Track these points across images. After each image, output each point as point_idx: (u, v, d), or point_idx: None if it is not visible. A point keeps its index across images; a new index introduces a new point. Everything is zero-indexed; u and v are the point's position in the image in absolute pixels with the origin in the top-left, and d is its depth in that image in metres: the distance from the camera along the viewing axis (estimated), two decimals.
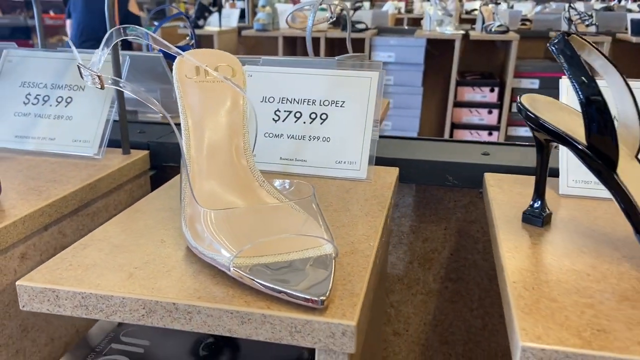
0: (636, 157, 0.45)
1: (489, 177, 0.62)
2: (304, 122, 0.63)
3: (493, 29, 2.75)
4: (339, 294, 0.37)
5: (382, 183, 0.60)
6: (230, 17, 3.33)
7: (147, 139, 0.72)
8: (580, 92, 0.41)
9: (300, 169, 0.61)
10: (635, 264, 0.42)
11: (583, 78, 0.41)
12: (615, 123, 0.44)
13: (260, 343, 0.55)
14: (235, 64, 0.50)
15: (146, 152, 0.69)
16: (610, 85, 0.46)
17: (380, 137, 0.78)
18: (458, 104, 2.91)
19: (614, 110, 0.44)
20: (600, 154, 0.42)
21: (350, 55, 0.95)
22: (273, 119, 0.64)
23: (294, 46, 3.21)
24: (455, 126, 2.93)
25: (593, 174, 0.43)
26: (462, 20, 3.54)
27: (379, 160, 0.67)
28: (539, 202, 0.49)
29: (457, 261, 0.74)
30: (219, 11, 3.20)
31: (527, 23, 3.18)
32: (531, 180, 0.61)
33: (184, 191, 0.44)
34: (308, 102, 0.63)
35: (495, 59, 3.01)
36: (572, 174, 0.57)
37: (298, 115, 0.63)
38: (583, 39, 0.44)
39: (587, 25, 2.74)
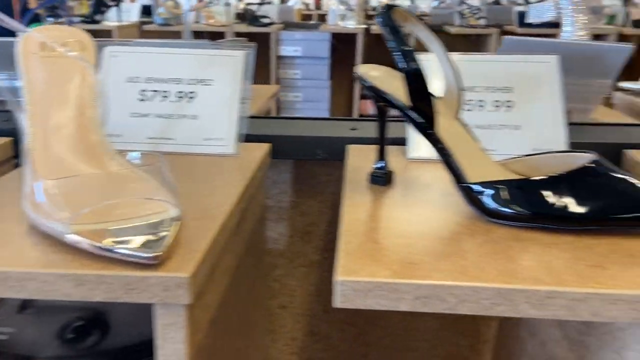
0: (456, 117, 0.50)
1: (351, 148, 0.66)
2: (172, 101, 0.64)
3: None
4: (180, 251, 0.39)
5: (251, 158, 0.62)
6: (130, 12, 3.22)
7: (13, 126, 0.70)
8: (400, 61, 0.46)
9: (168, 147, 0.62)
10: (457, 210, 0.47)
11: (403, 48, 0.46)
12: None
13: (130, 323, 0.56)
14: (85, 40, 0.50)
15: (9, 139, 0.67)
16: (436, 55, 0.51)
17: (257, 117, 0.80)
18: (364, 96, 3.02)
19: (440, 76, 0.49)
20: (422, 114, 0.47)
21: (231, 39, 0.96)
22: (139, 98, 0.64)
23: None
24: (362, 118, 3.03)
25: (417, 131, 0.48)
26: (368, 16, 3.65)
27: (253, 138, 0.69)
28: (382, 163, 0.53)
29: (333, 232, 0.78)
30: (118, 5, 3.08)
31: (424, 17, 3.34)
32: (389, 149, 0.66)
33: (26, 167, 0.44)
34: (175, 81, 0.64)
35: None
36: (417, 140, 0.62)
37: (165, 94, 0.64)
38: (406, 12, 0.49)
39: (478, 19, 2.94)
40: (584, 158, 0.45)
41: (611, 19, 2.99)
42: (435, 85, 0.52)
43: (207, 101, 0.64)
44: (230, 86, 0.64)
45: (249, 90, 0.70)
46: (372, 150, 0.65)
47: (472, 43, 2.95)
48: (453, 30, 2.91)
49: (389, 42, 0.47)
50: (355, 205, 0.48)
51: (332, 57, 3.01)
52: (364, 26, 2.90)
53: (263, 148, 0.65)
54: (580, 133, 0.71)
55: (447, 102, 0.51)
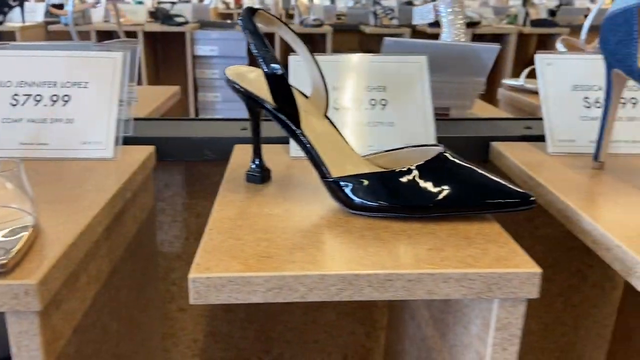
0: (325, 115, 0.53)
1: (236, 147, 0.67)
2: (45, 105, 0.62)
3: (309, 23, 2.91)
4: (32, 259, 0.38)
5: (130, 161, 0.61)
6: (35, 12, 3.05)
7: None
8: (263, 64, 0.47)
9: (42, 153, 0.61)
10: (323, 204, 0.49)
11: (264, 51, 0.48)
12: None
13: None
14: None
15: None
16: (301, 56, 0.53)
17: (141, 119, 0.79)
18: None
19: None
20: (286, 114, 0.49)
21: (120, 40, 0.94)
22: (11, 103, 0.62)
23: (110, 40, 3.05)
24: None
25: (285, 130, 0.49)
26: (289, 15, 3.67)
27: (139, 140, 0.68)
28: (257, 161, 0.55)
29: None
30: (21, 6, 2.91)
31: (342, 17, 3.41)
32: (276, 147, 0.67)
33: None
34: (49, 84, 0.62)
35: (315, 51, 3.18)
36: None
37: (38, 98, 0.62)
38: (270, 14, 0.51)
39: (391, 19, 3.04)
40: (435, 151, 0.49)
41: (513, 18, 3.19)
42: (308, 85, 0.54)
43: (82, 104, 0.62)
44: (108, 88, 0.63)
45: (134, 92, 0.70)
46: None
47: (376, 41, 3.04)
48: (368, 30, 3.00)
49: (251, 45, 0.48)
50: (226, 203, 0.49)
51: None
52: None
53: (145, 150, 0.65)
54: (454, 127, 0.76)
55: (315, 102, 0.53)
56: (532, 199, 0.45)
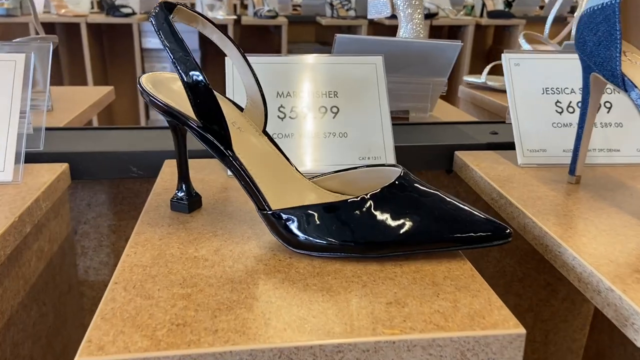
0: (264, 131, 0.44)
1: (167, 164, 0.58)
2: None
3: (263, 14, 2.79)
4: None
5: (35, 184, 0.51)
6: None
7: None
8: (182, 72, 0.38)
9: None
10: (261, 242, 0.41)
11: (183, 56, 0.39)
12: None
13: None
14: None
15: None
16: (232, 60, 0.44)
17: (55, 129, 0.69)
18: None
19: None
20: (214, 133, 0.40)
21: (37, 37, 0.83)
22: None
23: (52, 33, 2.85)
24: None
25: (212, 153, 0.41)
26: (244, 5, 3.52)
27: (50, 157, 0.58)
28: (184, 187, 0.46)
29: None
30: None
31: (298, 8, 3.31)
32: (209, 162, 0.58)
33: None
34: None
35: (271, 44, 3.07)
36: None
37: None
38: (192, 10, 0.42)
39: (348, 10, 2.95)
40: (392, 173, 0.41)
41: (470, 10, 3.16)
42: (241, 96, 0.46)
43: None
44: (5, 97, 0.53)
45: (45, 97, 0.59)
46: (194, 164, 0.57)
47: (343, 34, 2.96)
48: (324, 21, 2.90)
49: (165, 48, 0.39)
50: (142, 243, 0.40)
51: (203, 49, 2.87)
52: (234, 17, 2.79)
53: (55, 170, 0.55)
54: (414, 134, 0.69)
55: (251, 116, 0.44)
56: (507, 231, 0.38)
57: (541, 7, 3.26)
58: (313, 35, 3.14)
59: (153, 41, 2.74)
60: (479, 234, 0.37)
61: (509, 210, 0.49)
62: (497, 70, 1.13)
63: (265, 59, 0.58)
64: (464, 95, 1.10)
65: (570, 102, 0.60)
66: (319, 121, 0.57)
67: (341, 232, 0.37)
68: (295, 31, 2.93)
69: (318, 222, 0.38)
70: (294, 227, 0.38)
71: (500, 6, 3.09)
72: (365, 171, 0.43)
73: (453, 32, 3.04)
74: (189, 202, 0.46)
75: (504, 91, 1.03)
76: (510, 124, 0.59)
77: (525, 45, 0.94)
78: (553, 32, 1.03)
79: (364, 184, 0.43)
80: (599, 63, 0.46)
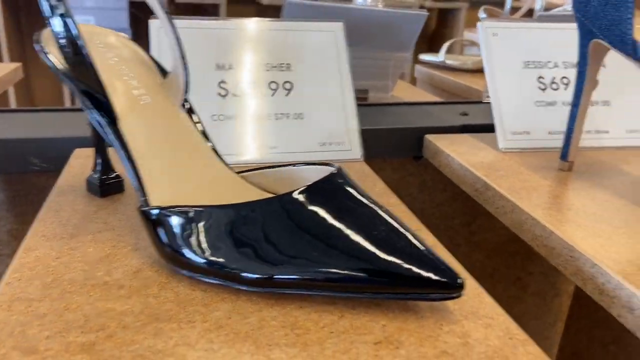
0: (184, 106, 0.34)
1: (77, 153, 0.46)
2: None
3: None
4: None
5: None
6: None
7: None
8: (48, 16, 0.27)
9: None
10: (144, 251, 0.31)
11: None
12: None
13: None
14: None
15: None
16: (160, 23, 0.33)
17: None
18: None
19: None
20: (91, 98, 0.29)
21: None
22: None
23: None
24: None
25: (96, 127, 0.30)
26: None
27: None
28: (100, 164, 0.35)
29: None
30: None
31: None
32: None
33: None
34: None
35: None
36: None
37: None
38: None
39: None
40: (322, 172, 0.31)
41: None
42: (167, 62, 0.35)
43: None
44: None
45: None
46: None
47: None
48: (266, 1, 2.77)
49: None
50: (30, 266, 0.29)
51: (134, 28, 2.66)
52: None
53: None
54: (377, 116, 0.60)
55: (171, 86, 0.34)
56: (459, 282, 0.25)
57: None
58: (254, 15, 2.99)
59: (77, 19, 2.50)
60: (415, 276, 0.25)
61: (499, 204, 0.41)
62: (451, 50, 1.06)
63: (203, 23, 0.47)
64: (421, 75, 1.02)
65: (554, 77, 0.53)
66: (269, 99, 0.46)
67: (238, 250, 0.27)
68: (234, 11, 2.78)
69: (206, 232, 0.27)
70: (170, 234, 0.28)
71: None
72: (303, 169, 0.33)
73: None
74: (103, 183, 0.35)
75: (465, 70, 0.97)
76: (485, 103, 0.52)
77: (484, 16, 0.87)
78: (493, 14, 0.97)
79: (303, 183, 0.33)
80: (605, 27, 0.39)
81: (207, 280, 0.28)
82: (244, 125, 0.45)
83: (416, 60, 1.05)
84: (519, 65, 0.53)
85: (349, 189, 0.29)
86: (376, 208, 0.28)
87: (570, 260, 0.33)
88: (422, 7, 2.88)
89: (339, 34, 0.49)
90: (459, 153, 0.50)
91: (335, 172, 0.30)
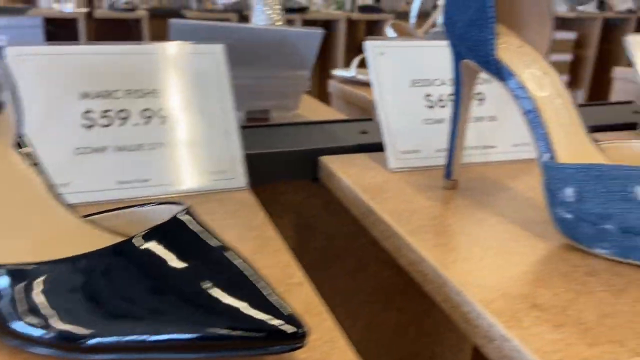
0: (19, 145, 0.31)
1: None
2: None
3: (120, 6, 2.54)
4: None
5: None
6: None
7: None
8: None
9: None
10: None
11: None
12: None
13: None
14: None
15: None
16: None
17: None
18: None
19: None
20: None
21: None
22: None
23: None
24: None
25: None
26: None
27: None
28: None
29: None
30: None
31: (161, 0, 3.07)
32: None
33: None
34: None
35: (130, 40, 2.81)
36: None
37: None
38: None
39: (214, 3, 2.80)
40: (173, 211, 0.28)
41: (341, 4, 3.16)
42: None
43: None
44: None
45: None
46: None
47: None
48: (190, 14, 2.72)
49: None
50: None
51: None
52: (86, 10, 2.50)
53: None
54: (273, 137, 0.58)
55: (4, 122, 0.30)
56: (301, 331, 0.23)
57: (408, 3, 3.36)
58: None
59: None
60: (255, 329, 0.23)
61: (381, 228, 0.41)
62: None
63: (66, 49, 0.44)
64: (335, 90, 1.02)
65: (441, 95, 0.53)
66: (143, 129, 0.44)
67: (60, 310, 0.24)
68: (158, 26, 2.71)
69: (28, 293, 0.24)
70: None
71: (369, 0, 3.13)
72: (158, 209, 0.31)
73: (326, 26, 3.02)
74: None
75: None
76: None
77: (393, 35, 0.88)
78: (421, 23, 0.99)
79: (154, 224, 0.30)
80: (471, 48, 0.39)
81: (34, 350, 0.25)
82: (113, 157, 0.42)
83: (330, 76, 1.05)
84: (407, 83, 0.53)
85: (195, 231, 0.27)
86: (223, 252, 0.26)
87: (440, 287, 0.33)
88: (349, 19, 2.92)
89: (220, 56, 0.47)
90: (349, 175, 0.49)
91: (182, 212, 0.28)
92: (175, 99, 0.45)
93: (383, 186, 0.46)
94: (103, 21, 2.61)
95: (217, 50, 0.47)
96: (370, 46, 0.52)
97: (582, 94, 3.05)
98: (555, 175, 0.35)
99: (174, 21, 0.56)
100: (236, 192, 0.44)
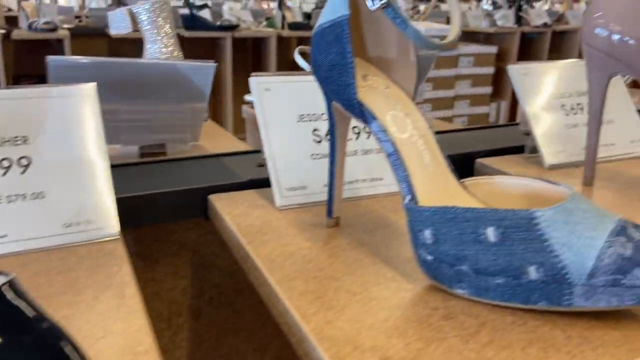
0: None
1: None
2: None
3: (39, 27, 2.43)
4: None
5: None
6: None
7: None
8: None
9: None
10: None
11: None
12: None
13: None
14: None
15: None
16: None
17: None
18: None
19: None
20: None
21: None
22: None
23: None
24: None
25: None
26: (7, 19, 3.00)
27: None
28: None
29: None
30: None
31: (85, 19, 2.97)
32: None
33: None
34: None
35: None
36: None
37: None
38: None
39: None
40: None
41: (272, 21, 3.17)
42: None
43: None
44: None
45: None
46: None
47: (140, 47, 2.74)
48: (113, 32, 2.64)
49: None
50: None
51: None
52: (2, 31, 2.38)
53: None
54: (163, 176, 0.57)
55: None
56: None
57: None
58: (105, 49, 2.84)
59: None
60: None
61: (255, 274, 0.40)
62: None
63: None
64: (248, 115, 1.01)
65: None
66: (2, 179, 0.41)
67: None
68: (82, 45, 2.61)
69: None
70: None
71: (299, 18, 3.15)
72: None
73: (257, 44, 3.01)
74: None
75: None
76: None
77: (301, 62, 0.88)
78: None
79: None
80: (335, 91, 0.39)
81: None
82: None
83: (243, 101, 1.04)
84: (294, 118, 0.52)
85: (15, 305, 0.25)
86: (41, 325, 0.25)
87: (301, 341, 0.32)
88: (280, 36, 2.93)
89: (90, 97, 0.45)
90: (232, 215, 0.48)
91: (4, 284, 0.26)
92: (37, 146, 0.42)
93: (264, 227, 0.45)
94: (23, 42, 2.49)
95: (88, 91, 0.45)
96: (255, 82, 0.52)
97: (505, 105, 3.20)
98: (415, 217, 0.36)
99: (51, 59, 0.53)
100: (106, 242, 0.42)
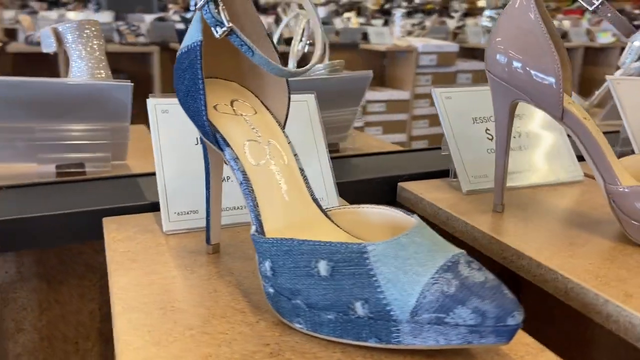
0: None
1: None
2: None
3: (35, 40, 2.47)
4: None
5: None
6: None
7: None
8: None
9: None
10: None
11: None
12: None
13: None
14: None
15: None
16: None
17: None
18: None
19: None
20: None
21: None
22: None
23: None
24: None
25: None
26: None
27: None
28: None
29: None
30: None
31: None
32: None
33: None
34: None
35: (49, 74, 2.74)
36: None
37: None
38: None
39: (137, 36, 2.76)
40: None
41: None
42: None
43: None
44: None
45: None
46: None
47: (137, 61, 2.77)
48: (111, 48, 2.67)
49: None
50: None
51: None
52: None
53: None
54: (67, 196, 0.56)
55: None
56: None
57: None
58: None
59: None
60: None
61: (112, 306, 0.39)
62: None
63: None
64: None
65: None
66: None
67: None
68: None
69: None
70: None
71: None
72: None
73: None
74: None
75: None
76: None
77: None
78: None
79: None
80: (192, 117, 0.39)
81: None
82: None
83: None
84: (192, 141, 0.52)
85: None
86: None
87: None
88: None
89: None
90: (116, 240, 0.47)
91: None
92: None
93: (140, 254, 0.44)
94: (21, 55, 2.53)
95: None
96: (152, 104, 0.51)
97: None
98: (258, 248, 0.35)
99: None
100: None
